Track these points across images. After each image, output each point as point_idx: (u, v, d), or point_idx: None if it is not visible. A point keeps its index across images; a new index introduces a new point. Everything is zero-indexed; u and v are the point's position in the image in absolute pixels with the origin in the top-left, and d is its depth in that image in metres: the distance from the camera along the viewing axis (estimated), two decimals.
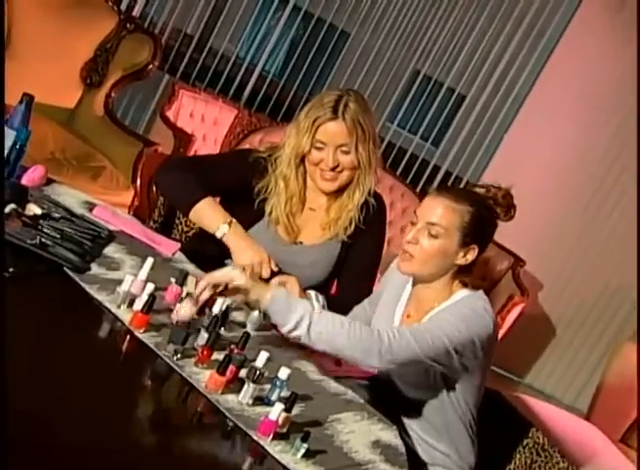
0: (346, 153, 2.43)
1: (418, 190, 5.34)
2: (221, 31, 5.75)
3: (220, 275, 1.96)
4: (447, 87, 5.94)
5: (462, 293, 2.16)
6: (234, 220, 2.36)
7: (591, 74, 5.28)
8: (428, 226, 2.10)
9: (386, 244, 2.72)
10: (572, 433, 3.00)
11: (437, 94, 5.98)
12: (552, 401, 4.85)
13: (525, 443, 2.36)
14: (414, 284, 2.23)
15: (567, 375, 5.48)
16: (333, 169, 2.43)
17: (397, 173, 5.36)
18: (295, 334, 1.94)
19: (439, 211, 2.10)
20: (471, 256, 2.13)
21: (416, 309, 2.21)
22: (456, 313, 2.08)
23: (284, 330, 1.95)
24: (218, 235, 2.34)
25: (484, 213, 2.14)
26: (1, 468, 1.22)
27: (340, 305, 2.36)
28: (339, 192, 2.51)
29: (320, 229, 2.53)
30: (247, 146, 4.60)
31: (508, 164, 5.42)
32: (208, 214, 2.38)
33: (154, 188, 3.82)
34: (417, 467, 2.13)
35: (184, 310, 1.93)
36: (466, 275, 2.17)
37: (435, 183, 5.70)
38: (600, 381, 4.91)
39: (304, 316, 1.92)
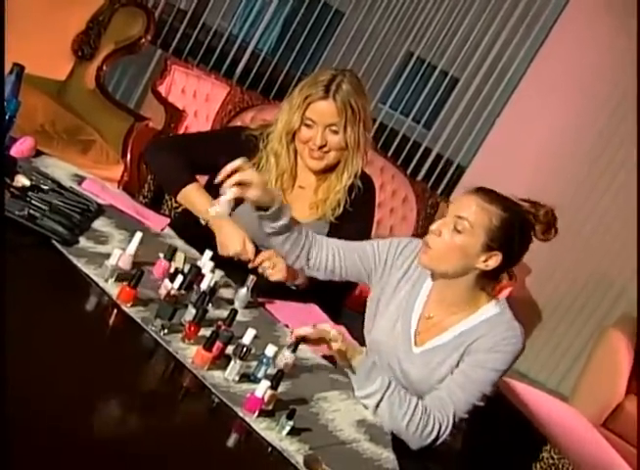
0: (335, 133, 2.43)
1: (408, 172, 5.35)
2: (215, 7, 5.70)
3: (318, 331, 1.93)
4: (440, 70, 5.92)
5: (490, 308, 2.10)
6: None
7: (585, 60, 5.27)
8: (455, 220, 2.02)
9: (375, 225, 2.72)
10: (555, 416, 3.02)
11: (430, 77, 5.96)
12: (536, 385, 4.87)
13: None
14: (434, 280, 2.14)
15: (551, 359, 5.51)
16: (320, 148, 2.44)
17: (388, 155, 5.35)
18: (364, 402, 1.97)
19: (470, 207, 2.02)
20: (492, 262, 2.04)
21: (437, 310, 2.13)
22: (498, 351, 2.03)
23: (356, 394, 1.98)
24: (203, 222, 2.35)
25: (518, 223, 2.04)
26: None
27: (325, 286, 2.36)
28: (327, 172, 2.51)
29: (308, 208, 2.53)
30: (238, 123, 4.58)
31: (499, 148, 5.42)
32: (194, 200, 2.40)
33: (144, 164, 3.80)
34: (402, 448, 2.14)
35: (284, 360, 1.92)
36: (489, 283, 2.11)
37: (426, 166, 5.70)
38: (584, 366, 4.95)
39: (377, 392, 1.94)
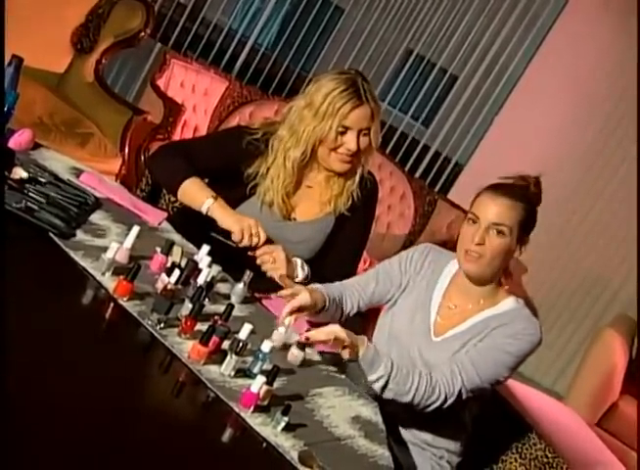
0: (366, 135, 2.42)
1: (406, 169, 5.34)
2: (215, 1, 5.70)
3: (327, 332, 1.99)
4: (440, 67, 5.92)
5: (510, 302, 2.20)
6: (219, 197, 2.35)
7: (584, 58, 5.27)
8: (493, 227, 2.13)
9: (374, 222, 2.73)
10: (550, 415, 3.02)
11: (429, 74, 5.96)
12: (531, 384, 4.87)
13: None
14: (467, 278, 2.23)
15: (546, 358, 5.51)
16: (354, 153, 2.43)
17: (387, 152, 5.35)
18: (372, 386, 2.05)
19: (502, 212, 2.13)
20: (523, 249, 2.18)
21: (459, 300, 2.23)
22: (517, 338, 2.13)
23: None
24: (204, 210, 2.34)
25: (533, 207, 2.18)
26: None
27: (323, 281, 2.36)
28: None
29: (318, 204, 2.53)
30: (237, 118, 4.57)
31: (497, 146, 5.42)
32: (194, 192, 2.38)
33: (142, 157, 3.79)
34: (397, 444, 2.15)
35: (296, 358, 2.01)
36: (507, 273, 2.22)
37: (424, 163, 5.70)
38: (579, 365, 4.95)
39: (382, 377, 2.02)
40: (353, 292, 2.35)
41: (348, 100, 2.37)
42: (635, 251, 5.12)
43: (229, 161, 2.46)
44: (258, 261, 2.33)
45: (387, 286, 2.33)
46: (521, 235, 2.16)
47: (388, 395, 2.05)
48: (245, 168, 2.46)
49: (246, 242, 2.30)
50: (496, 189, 2.16)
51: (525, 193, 2.18)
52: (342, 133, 2.41)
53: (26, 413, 1.35)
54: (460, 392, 2.08)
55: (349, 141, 2.41)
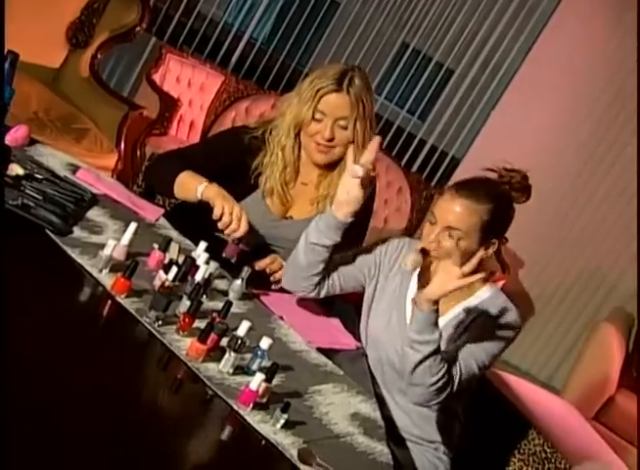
0: (344, 128, 2.40)
1: (403, 163, 5.34)
2: None
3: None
4: (436, 62, 5.91)
5: (485, 291, 2.16)
6: (214, 183, 2.32)
7: (580, 53, 5.27)
8: (447, 230, 2.04)
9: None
10: (547, 409, 3.02)
11: (426, 68, 5.95)
12: (528, 378, 4.88)
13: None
14: None
15: (543, 353, 5.52)
16: (328, 142, 2.41)
17: (383, 146, 5.34)
18: (416, 346, 1.97)
19: (458, 215, 2.04)
20: (492, 249, 2.09)
21: None
22: (497, 326, 2.10)
23: (410, 334, 1.99)
24: (198, 195, 2.28)
25: (503, 206, 2.10)
26: None
27: None
28: (330, 168, 2.49)
29: (309, 204, 2.52)
30: (233, 113, 4.57)
31: (494, 140, 5.41)
32: (187, 183, 2.32)
33: (138, 152, 3.78)
34: (395, 441, 2.14)
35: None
36: (482, 267, 2.12)
37: (421, 157, 5.69)
38: (576, 360, 4.96)
39: (433, 343, 1.96)
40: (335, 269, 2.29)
41: (327, 84, 2.36)
42: (633, 244, 5.12)
43: (231, 158, 2.43)
44: (268, 271, 2.35)
45: (361, 272, 2.29)
46: (484, 237, 2.06)
47: (420, 366, 1.98)
48: (250, 162, 2.45)
49: (225, 219, 2.22)
50: (459, 189, 2.08)
51: (496, 193, 2.09)
52: (319, 120, 2.39)
53: (23, 411, 1.34)
54: (459, 382, 2.05)
55: (324, 128, 2.39)
